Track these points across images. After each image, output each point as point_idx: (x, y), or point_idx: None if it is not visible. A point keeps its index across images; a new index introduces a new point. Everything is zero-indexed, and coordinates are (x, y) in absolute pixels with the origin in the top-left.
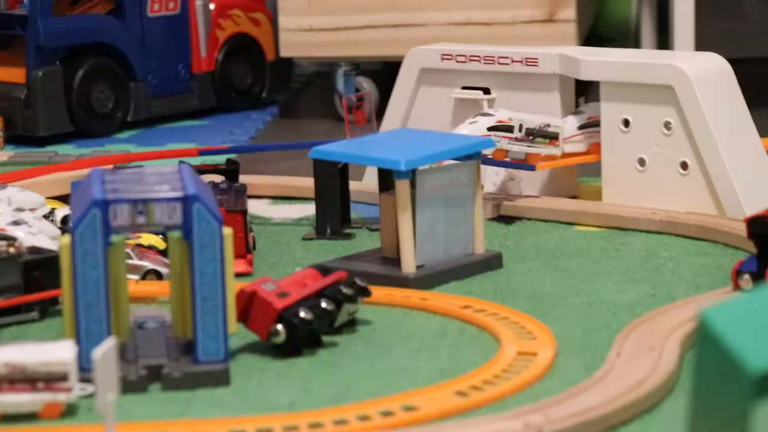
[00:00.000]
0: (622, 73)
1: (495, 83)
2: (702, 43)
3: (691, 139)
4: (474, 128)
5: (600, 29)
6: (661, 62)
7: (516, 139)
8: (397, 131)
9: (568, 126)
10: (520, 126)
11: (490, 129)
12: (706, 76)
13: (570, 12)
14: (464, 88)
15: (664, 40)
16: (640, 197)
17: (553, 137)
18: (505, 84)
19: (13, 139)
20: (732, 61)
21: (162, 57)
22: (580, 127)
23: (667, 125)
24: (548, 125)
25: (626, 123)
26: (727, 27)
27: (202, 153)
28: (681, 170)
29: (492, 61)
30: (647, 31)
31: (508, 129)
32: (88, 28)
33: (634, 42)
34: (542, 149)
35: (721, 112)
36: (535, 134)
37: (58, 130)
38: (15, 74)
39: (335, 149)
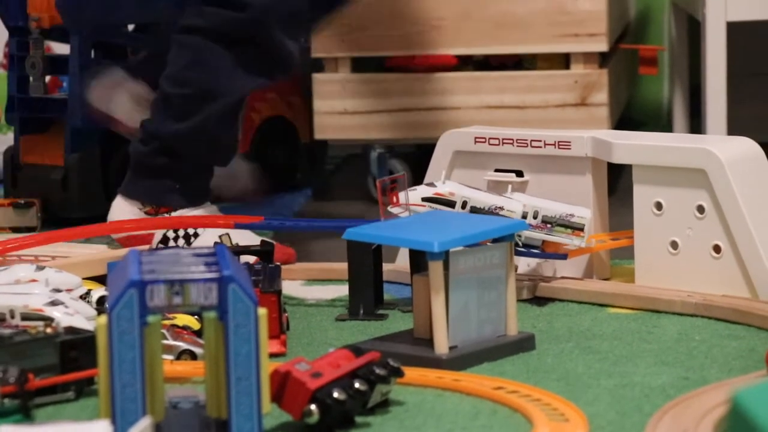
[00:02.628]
0: (654, 156)
1: (528, 166)
2: (734, 127)
3: (724, 223)
4: (410, 196)
5: (632, 113)
6: (694, 146)
7: (531, 226)
8: (430, 213)
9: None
10: (536, 213)
11: (424, 199)
12: (739, 160)
13: (602, 96)
14: (497, 170)
15: (696, 124)
16: (672, 280)
17: (578, 228)
18: (538, 167)
19: (48, 221)
20: (764, 145)
21: None
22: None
23: (699, 208)
24: (572, 215)
25: (659, 206)
26: (759, 111)
27: (238, 225)
28: (714, 253)
29: (525, 144)
30: (679, 115)
31: (450, 204)
32: None
33: (666, 126)
34: (563, 239)
35: (754, 196)
36: (554, 223)
37: (93, 212)
38: (53, 157)
39: (369, 231)
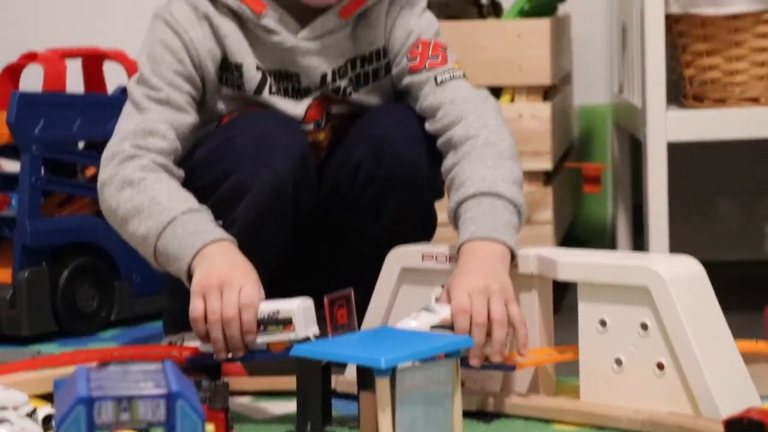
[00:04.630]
0: (598, 274)
1: None
2: (676, 246)
3: (667, 340)
4: (416, 324)
5: (576, 230)
6: (637, 264)
7: None
8: (378, 330)
9: (419, 324)
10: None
11: (433, 327)
12: (681, 279)
13: (547, 213)
14: (444, 287)
15: (639, 242)
16: (618, 397)
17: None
18: None
19: None
20: (706, 264)
21: None
22: (434, 327)
23: (643, 326)
24: (278, 311)
25: (603, 323)
26: (701, 230)
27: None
28: (657, 370)
29: None
30: (623, 233)
31: (452, 328)
32: (74, 228)
33: (610, 243)
34: (280, 336)
35: (696, 314)
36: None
37: (42, 329)
38: (1, 275)
39: (317, 347)
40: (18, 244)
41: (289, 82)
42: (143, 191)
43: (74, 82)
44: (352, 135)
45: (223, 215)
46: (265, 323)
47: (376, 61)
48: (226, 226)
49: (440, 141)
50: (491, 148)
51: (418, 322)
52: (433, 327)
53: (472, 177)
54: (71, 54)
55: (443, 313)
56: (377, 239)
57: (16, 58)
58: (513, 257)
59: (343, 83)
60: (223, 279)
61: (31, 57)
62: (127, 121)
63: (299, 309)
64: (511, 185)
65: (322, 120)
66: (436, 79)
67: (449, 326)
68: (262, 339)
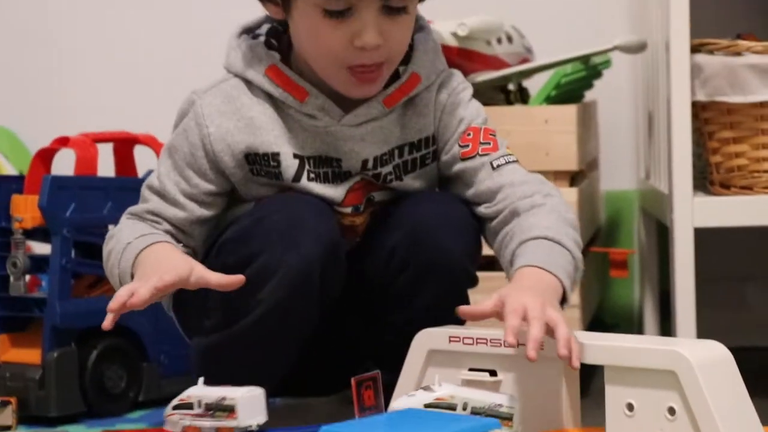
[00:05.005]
0: (625, 357)
1: (501, 365)
2: (704, 331)
3: (695, 425)
4: (411, 402)
5: (604, 315)
6: (664, 348)
7: None
8: (404, 411)
9: (413, 401)
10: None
11: (427, 405)
12: (709, 363)
13: (574, 298)
14: (471, 369)
15: (666, 327)
16: None
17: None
18: (511, 367)
19: (25, 419)
20: (733, 350)
21: (174, 337)
22: (427, 406)
23: (671, 410)
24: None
25: (630, 407)
26: (729, 316)
27: None
28: None
29: (498, 344)
30: (650, 318)
31: (451, 407)
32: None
33: (637, 328)
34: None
35: (724, 399)
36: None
37: (70, 410)
38: (30, 355)
39: (345, 429)
40: (47, 325)
41: (329, 166)
42: (118, 233)
43: (105, 164)
44: (389, 220)
45: (250, 295)
46: (213, 408)
47: (425, 148)
48: (253, 306)
49: (501, 217)
50: (556, 214)
51: (413, 400)
52: (427, 405)
53: (536, 225)
54: (103, 138)
55: (439, 392)
56: (408, 325)
57: (49, 142)
58: (563, 300)
59: (385, 170)
60: (150, 273)
61: (63, 141)
62: (136, 204)
63: (243, 398)
64: (573, 243)
65: (361, 205)
66: (492, 164)
67: (444, 405)
68: (210, 423)
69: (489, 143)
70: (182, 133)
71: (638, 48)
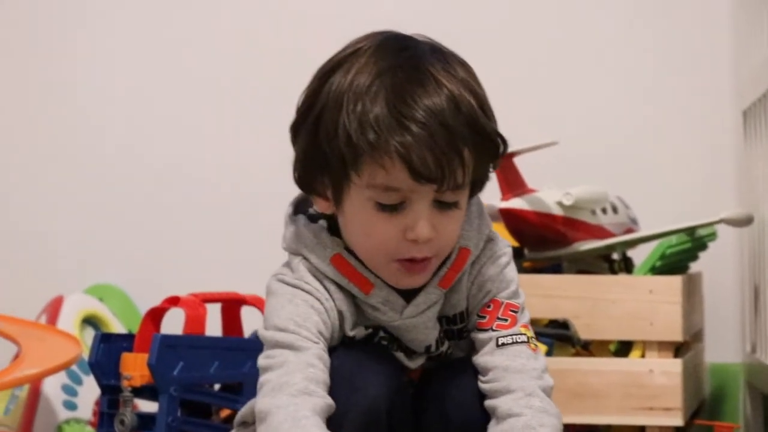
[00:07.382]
0: None
1: None
2: None
3: None
4: None
5: None
6: None
7: None
8: None
9: None
10: None
11: None
12: None
13: None
14: None
15: None
16: None
17: None
18: None
19: None
20: None
21: None
22: None
23: None
24: None
25: None
26: None
27: None
28: None
29: None
30: None
31: None
32: None
33: None
34: None
35: None
36: None
37: None
38: None
39: None
40: None
41: (397, 341)
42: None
43: (213, 324)
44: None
45: None
46: None
47: (460, 322)
48: None
49: (486, 403)
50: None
51: None
52: None
53: None
54: (211, 299)
55: None
56: None
57: (160, 302)
58: None
59: (443, 347)
60: None
61: (173, 301)
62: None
63: None
64: None
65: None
66: (497, 341)
67: None
68: None
69: (506, 320)
70: (304, 305)
71: (745, 221)
